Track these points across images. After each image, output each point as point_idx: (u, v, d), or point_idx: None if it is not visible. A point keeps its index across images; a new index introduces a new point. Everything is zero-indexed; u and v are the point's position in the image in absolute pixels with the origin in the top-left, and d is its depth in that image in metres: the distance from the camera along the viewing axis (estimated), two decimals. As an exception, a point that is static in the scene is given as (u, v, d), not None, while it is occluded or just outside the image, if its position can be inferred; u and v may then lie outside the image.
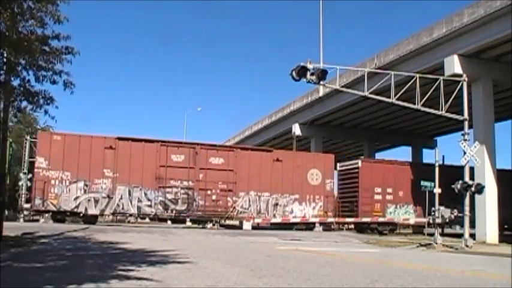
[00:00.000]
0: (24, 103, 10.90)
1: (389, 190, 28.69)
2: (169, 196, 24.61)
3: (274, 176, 26.32)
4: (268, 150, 28.21)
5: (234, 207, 25.54)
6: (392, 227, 28.68)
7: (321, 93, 34.16)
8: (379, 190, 28.43)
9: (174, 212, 24.89)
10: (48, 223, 22.42)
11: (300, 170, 26.82)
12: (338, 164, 29.73)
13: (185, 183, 24.80)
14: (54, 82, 10.59)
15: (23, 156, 25.91)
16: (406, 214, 28.99)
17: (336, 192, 29.15)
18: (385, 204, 28.48)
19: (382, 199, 28.50)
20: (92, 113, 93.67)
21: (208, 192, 25.19)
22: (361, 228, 28.63)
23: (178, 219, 27.30)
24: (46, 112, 11.01)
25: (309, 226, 26.73)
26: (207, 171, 25.16)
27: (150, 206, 24.27)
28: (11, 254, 8.78)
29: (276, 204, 26.31)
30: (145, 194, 24.14)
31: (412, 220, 28.64)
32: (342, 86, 22.32)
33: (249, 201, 25.86)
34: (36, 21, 10.03)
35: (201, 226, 27.60)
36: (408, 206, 29.09)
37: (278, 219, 26.64)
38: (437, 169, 18.49)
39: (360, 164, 28.44)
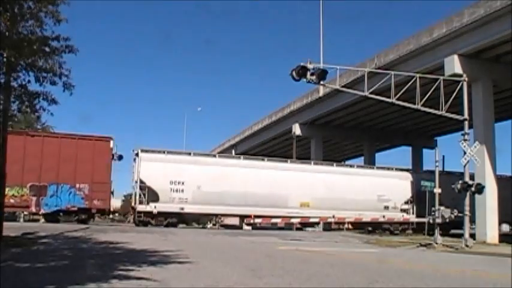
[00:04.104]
0: (23, 106, 10.90)
1: None
2: None
3: None
4: None
5: None
6: None
7: (321, 93, 34.16)
8: None
9: None
10: (48, 223, 22.41)
11: None
12: None
13: None
14: (54, 83, 10.60)
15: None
16: None
17: None
18: None
19: None
20: (91, 113, 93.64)
21: None
22: None
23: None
24: (39, 118, 11.07)
25: None
26: None
27: None
28: (11, 254, 8.77)
29: None
30: None
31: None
32: (342, 86, 22.32)
33: None
34: (36, 22, 10.03)
35: (201, 226, 27.71)
36: None
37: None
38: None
39: None
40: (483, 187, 18.08)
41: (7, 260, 7.58)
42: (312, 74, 16.18)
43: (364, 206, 28.28)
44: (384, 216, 28.86)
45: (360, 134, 40.72)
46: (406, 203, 29.71)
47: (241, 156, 29.52)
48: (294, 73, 16.08)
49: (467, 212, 17.00)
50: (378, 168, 31.88)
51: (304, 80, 16.25)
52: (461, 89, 18.23)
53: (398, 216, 29.28)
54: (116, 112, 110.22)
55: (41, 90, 10.48)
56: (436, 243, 16.91)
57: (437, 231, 17.62)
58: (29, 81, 10.36)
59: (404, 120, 36.62)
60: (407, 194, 29.85)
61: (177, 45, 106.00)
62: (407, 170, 31.87)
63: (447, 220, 17.72)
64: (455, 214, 17.46)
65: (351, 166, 31.68)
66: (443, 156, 36.51)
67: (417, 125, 38.14)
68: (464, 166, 17.57)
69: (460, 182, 17.10)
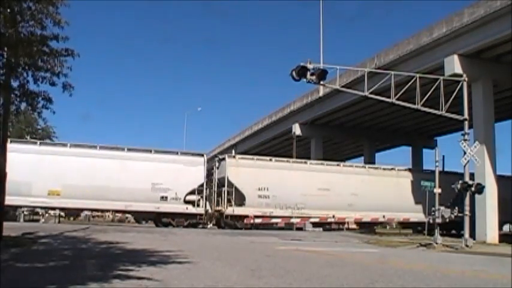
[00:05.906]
0: (23, 105, 10.94)
1: None
2: None
3: None
4: None
5: None
6: None
7: (321, 93, 34.17)
8: None
9: None
10: (48, 223, 22.43)
11: None
12: None
13: None
14: (53, 84, 10.59)
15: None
16: None
17: None
18: None
19: None
20: (92, 114, 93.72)
21: None
22: None
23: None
24: (39, 115, 11.11)
25: None
26: None
27: None
28: (11, 254, 8.77)
29: None
30: None
31: None
32: (342, 86, 22.30)
33: None
34: (36, 23, 10.03)
35: (201, 226, 27.68)
36: None
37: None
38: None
39: None
40: (483, 187, 18.07)
41: (7, 260, 7.59)
42: (312, 74, 16.18)
43: (134, 196, 24.54)
44: (158, 208, 25.19)
45: (360, 134, 40.72)
46: (193, 193, 25.83)
47: None
48: (294, 73, 16.08)
49: (467, 212, 17.00)
50: (157, 152, 26.84)
51: (304, 80, 16.25)
52: (461, 89, 18.23)
53: (180, 209, 25.52)
54: (116, 112, 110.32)
55: (38, 90, 10.52)
56: (436, 243, 16.90)
57: (437, 231, 17.59)
58: (27, 82, 10.39)
59: (405, 120, 36.62)
60: (196, 183, 25.89)
61: (178, 44, 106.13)
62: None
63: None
64: (455, 214, 17.45)
65: (122, 149, 26.43)
66: (443, 156, 36.44)
67: (417, 125, 38.14)
68: (464, 166, 17.55)
69: (460, 182, 17.08)
